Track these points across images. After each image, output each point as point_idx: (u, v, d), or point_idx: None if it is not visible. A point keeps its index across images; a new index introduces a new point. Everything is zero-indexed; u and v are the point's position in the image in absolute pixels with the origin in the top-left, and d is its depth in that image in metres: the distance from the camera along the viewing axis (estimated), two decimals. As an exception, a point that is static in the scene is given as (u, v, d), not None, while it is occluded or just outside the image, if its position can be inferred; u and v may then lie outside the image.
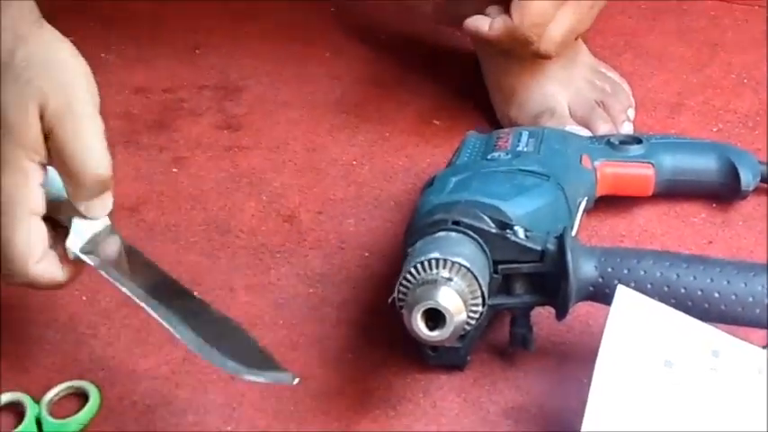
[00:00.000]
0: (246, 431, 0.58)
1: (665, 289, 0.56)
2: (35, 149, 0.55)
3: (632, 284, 0.57)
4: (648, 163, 0.72)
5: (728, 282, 0.56)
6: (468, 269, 0.55)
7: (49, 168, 0.57)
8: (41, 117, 0.55)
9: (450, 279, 0.54)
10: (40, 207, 0.56)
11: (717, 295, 0.56)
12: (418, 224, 0.60)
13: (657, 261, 0.57)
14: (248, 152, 0.80)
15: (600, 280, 0.57)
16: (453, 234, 0.58)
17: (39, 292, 0.66)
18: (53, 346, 0.63)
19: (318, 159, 0.80)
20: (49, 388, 0.60)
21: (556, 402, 0.59)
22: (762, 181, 0.73)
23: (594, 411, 0.52)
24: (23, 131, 0.55)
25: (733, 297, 0.56)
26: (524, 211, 0.61)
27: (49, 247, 0.57)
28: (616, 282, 0.57)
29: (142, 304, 0.55)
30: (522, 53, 0.76)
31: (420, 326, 0.54)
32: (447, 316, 0.53)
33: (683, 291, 0.56)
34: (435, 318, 0.54)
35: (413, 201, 0.72)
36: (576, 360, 0.61)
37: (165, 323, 0.54)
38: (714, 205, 0.73)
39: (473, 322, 0.55)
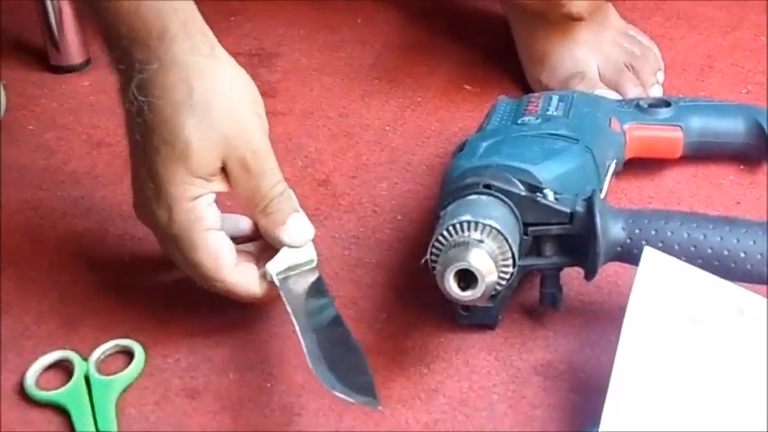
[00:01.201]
0: (286, 387, 0.60)
1: (692, 249, 0.57)
2: (208, 179, 0.58)
3: (659, 245, 0.58)
4: (677, 125, 0.73)
5: (755, 242, 0.57)
6: (499, 231, 0.56)
7: None
8: (225, 159, 0.58)
9: (481, 241, 0.56)
10: (216, 223, 0.59)
11: (743, 255, 0.57)
12: (450, 187, 0.62)
13: (684, 222, 0.58)
14: (283, 118, 0.82)
15: (628, 241, 0.59)
16: (484, 197, 0.59)
17: (82, 251, 0.69)
18: (100, 306, 0.66)
19: (352, 124, 0.82)
20: (96, 346, 0.62)
21: (584, 360, 0.60)
22: (789, 143, 0.74)
23: (622, 368, 0.53)
24: (203, 166, 0.58)
25: (759, 257, 0.57)
26: (554, 175, 0.62)
27: (251, 262, 0.61)
28: (643, 243, 0.58)
29: (302, 344, 0.58)
30: (553, 16, 0.77)
31: (452, 286, 0.55)
32: (478, 277, 0.55)
33: (709, 251, 0.57)
34: (467, 278, 0.55)
35: (444, 164, 0.74)
36: (605, 319, 0.62)
37: (309, 359, 0.57)
38: (742, 167, 0.74)
39: (504, 283, 0.57)
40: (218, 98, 0.58)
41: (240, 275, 0.60)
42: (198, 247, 0.59)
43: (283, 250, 0.61)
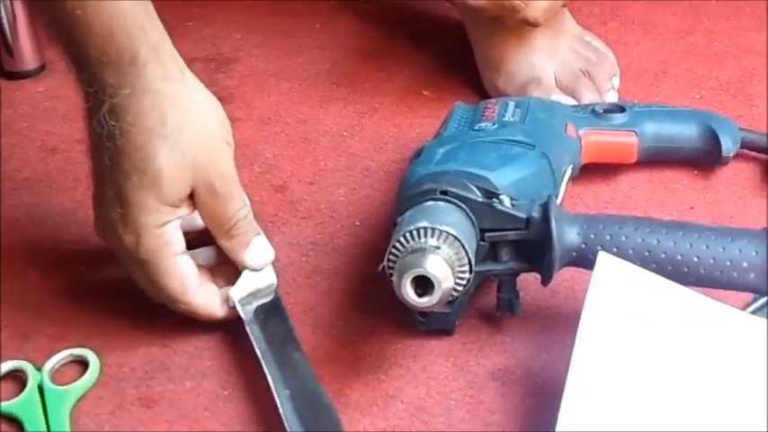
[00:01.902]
0: (243, 395, 0.60)
1: (646, 254, 0.58)
2: (176, 206, 0.59)
3: (614, 250, 0.58)
4: (632, 131, 0.73)
5: (707, 246, 0.58)
6: (456, 237, 0.57)
7: None
8: (193, 186, 0.59)
9: (438, 247, 0.56)
10: (182, 247, 0.60)
11: (696, 259, 0.58)
12: (407, 194, 0.62)
13: (638, 227, 0.59)
14: (240, 123, 0.82)
15: (583, 246, 0.59)
16: (441, 203, 0.59)
17: (36, 258, 0.68)
18: (53, 315, 0.65)
19: (309, 130, 0.82)
20: (50, 356, 0.61)
21: (541, 365, 0.61)
22: (742, 147, 0.75)
23: (577, 372, 0.54)
24: (173, 193, 0.59)
25: (711, 261, 0.58)
26: (510, 181, 0.62)
27: (211, 282, 0.62)
28: (599, 248, 0.58)
29: (264, 367, 0.59)
30: (509, 21, 0.77)
31: (409, 292, 0.56)
32: (435, 283, 0.55)
33: (663, 255, 0.58)
34: (424, 284, 0.56)
35: (402, 170, 0.74)
36: (561, 324, 0.63)
37: (273, 389, 0.58)
38: (696, 172, 0.75)
39: (461, 288, 0.57)
40: (189, 126, 0.58)
41: (203, 298, 0.61)
42: (166, 272, 0.60)
43: (245, 274, 0.63)
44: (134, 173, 0.57)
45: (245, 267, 0.63)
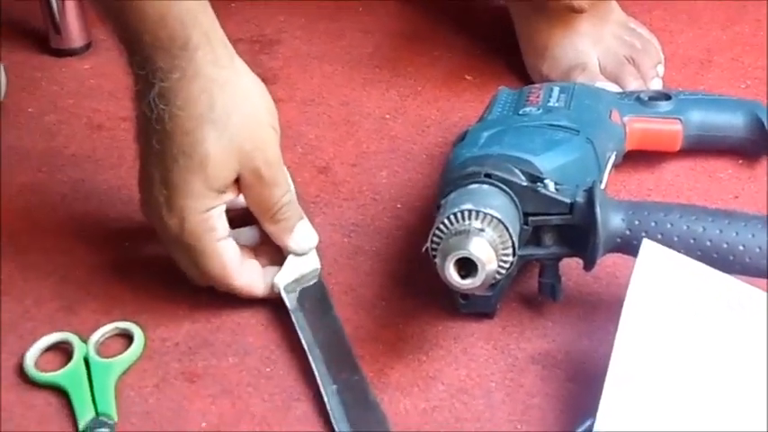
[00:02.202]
0: (285, 372, 0.60)
1: (692, 242, 0.58)
2: (222, 191, 0.60)
3: (659, 237, 0.58)
4: (676, 119, 0.73)
5: (753, 235, 0.58)
6: (500, 220, 0.57)
7: None
8: (240, 171, 0.60)
9: (482, 230, 0.56)
10: (226, 232, 0.61)
11: (741, 248, 0.57)
12: (451, 176, 0.62)
13: (684, 214, 0.59)
14: (283, 105, 0.82)
15: (627, 232, 0.59)
16: (485, 186, 0.59)
17: (82, 234, 0.69)
18: (99, 289, 0.66)
19: (352, 112, 0.82)
20: (95, 328, 0.62)
21: (582, 350, 0.61)
22: (788, 138, 0.74)
23: (620, 359, 0.54)
24: (220, 178, 0.59)
25: (757, 250, 0.57)
26: (554, 165, 0.62)
27: (254, 260, 0.63)
28: (643, 234, 0.58)
29: (310, 360, 0.60)
30: (555, 7, 0.77)
31: (453, 274, 0.56)
32: (479, 265, 0.55)
33: (708, 243, 0.58)
34: (467, 267, 0.56)
35: (444, 154, 0.74)
36: (603, 310, 0.63)
37: (321, 384, 0.58)
38: (740, 161, 0.74)
39: (503, 272, 0.57)
40: (238, 111, 0.59)
41: (245, 279, 0.62)
42: (208, 256, 0.60)
43: (289, 259, 0.63)
44: (181, 157, 0.58)
45: (289, 252, 0.63)
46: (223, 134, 0.58)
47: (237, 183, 0.61)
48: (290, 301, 0.63)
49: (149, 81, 0.58)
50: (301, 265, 0.64)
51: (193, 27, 0.57)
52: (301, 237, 0.63)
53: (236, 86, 0.59)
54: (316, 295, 0.64)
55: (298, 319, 0.62)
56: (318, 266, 0.65)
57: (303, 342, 0.60)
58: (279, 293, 0.63)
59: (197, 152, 0.58)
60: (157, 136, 0.59)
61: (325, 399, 0.57)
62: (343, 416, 0.56)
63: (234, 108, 0.59)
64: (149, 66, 0.57)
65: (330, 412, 0.57)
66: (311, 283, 0.64)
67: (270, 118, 0.61)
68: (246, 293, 0.62)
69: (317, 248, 0.65)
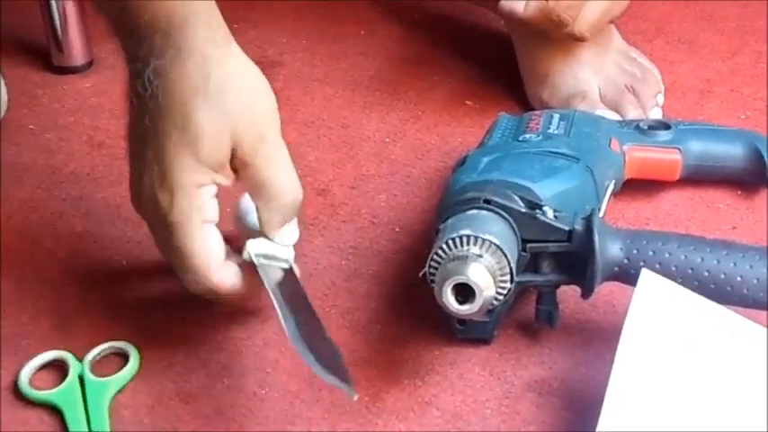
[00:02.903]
0: (280, 395, 0.60)
1: (689, 271, 0.58)
2: (215, 169, 0.58)
3: (657, 266, 0.58)
4: (676, 148, 0.73)
5: (751, 266, 0.58)
6: (498, 246, 0.57)
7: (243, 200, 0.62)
8: (235, 148, 0.58)
9: (480, 255, 0.56)
10: (215, 217, 0.59)
11: (739, 279, 0.58)
12: (450, 201, 0.62)
13: (682, 244, 0.59)
14: (284, 126, 0.80)
15: (625, 261, 0.59)
16: (484, 212, 0.59)
17: (79, 252, 0.69)
18: (96, 307, 0.66)
19: (352, 135, 0.82)
20: (91, 347, 0.62)
21: (578, 378, 0.61)
22: (787, 169, 0.74)
23: (617, 388, 0.54)
24: (213, 153, 0.57)
25: (755, 281, 0.57)
26: (553, 192, 0.62)
27: (233, 262, 0.60)
28: (641, 263, 0.58)
29: (283, 323, 0.58)
30: (556, 35, 0.78)
31: (450, 299, 0.56)
32: (476, 291, 0.55)
33: (706, 274, 0.58)
34: (465, 292, 0.56)
35: (444, 178, 0.74)
36: (600, 338, 0.63)
37: (290, 338, 0.58)
38: (739, 192, 0.74)
39: (501, 298, 0.57)
40: (232, 86, 0.58)
41: (225, 275, 0.60)
42: (193, 236, 0.58)
43: (259, 239, 0.61)
44: (174, 130, 0.57)
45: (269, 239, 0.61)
46: (216, 107, 0.57)
47: (234, 167, 0.58)
48: (260, 270, 0.60)
49: (145, 60, 0.57)
50: (277, 247, 0.61)
51: (192, 6, 0.57)
52: (288, 231, 0.61)
53: (233, 64, 0.59)
54: (286, 275, 0.61)
55: (270, 287, 0.59)
56: (292, 257, 0.62)
57: (275, 306, 0.58)
58: (249, 259, 0.60)
59: (190, 125, 0.57)
60: (151, 114, 0.58)
61: (283, 324, 0.57)
62: (300, 338, 0.57)
63: (229, 83, 0.58)
64: (146, 45, 0.57)
65: (287, 333, 0.57)
66: (282, 264, 0.61)
67: (267, 99, 0.60)
68: (223, 290, 0.60)
69: (295, 248, 0.63)
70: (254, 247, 0.61)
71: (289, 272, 0.61)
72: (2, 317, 0.65)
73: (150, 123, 0.58)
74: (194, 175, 0.58)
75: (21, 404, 0.60)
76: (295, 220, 0.62)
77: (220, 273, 0.59)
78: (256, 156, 0.58)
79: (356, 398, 0.56)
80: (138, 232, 0.72)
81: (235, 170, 0.59)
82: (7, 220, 0.73)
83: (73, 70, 0.89)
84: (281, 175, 0.59)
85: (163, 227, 0.59)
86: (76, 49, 0.89)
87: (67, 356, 0.62)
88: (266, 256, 0.61)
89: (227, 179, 0.59)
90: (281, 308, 0.58)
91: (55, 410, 0.59)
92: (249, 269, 0.60)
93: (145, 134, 0.58)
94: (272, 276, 0.60)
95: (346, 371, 0.56)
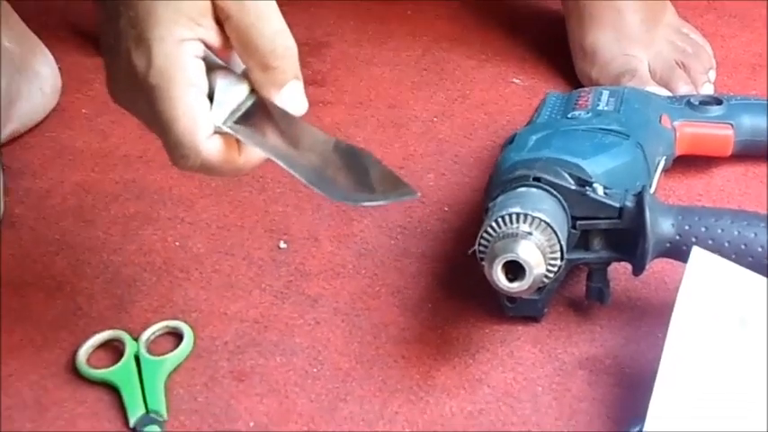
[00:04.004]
0: (331, 373, 0.61)
1: (743, 247, 0.57)
2: (197, 21, 0.51)
3: (709, 242, 0.58)
4: (728, 124, 0.72)
5: (806, 242, 0.57)
6: (548, 224, 0.57)
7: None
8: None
9: (530, 233, 0.56)
10: (201, 80, 0.51)
11: (793, 255, 0.57)
12: (499, 180, 0.62)
13: (735, 220, 0.58)
14: (332, 107, 0.83)
15: (677, 237, 0.59)
16: (534, 190, 0.59)
17: (133, 233, 0.70)
18: (149, 287, 0.67)
19: (399, 115, 0.82)
20: (146, 327, 0.63)
21: (630, 355, 0.61)
22: (842, 143, 0.73)
23: (669, 365, 0.53)
24: (188, 3, 0.50)
25: (810, 257, 0.57)
26: (604, 169, 0.62)
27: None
28: (693, 240, 0.58)
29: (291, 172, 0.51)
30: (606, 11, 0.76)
31: (500, 277, 0.56)
32: (527, 268, 0.55)
33: (759, 249, 0.57)
34: (515, 270, 0.56)
35: (492, 157, 0.74)
36: (651, 315, 0.62)
37: (305, 181, 0.51)
38: (793, 167, 0.74)
39: (551, 275, 0.57)
40: None
41: (215, 143, 0.52)
42: (175, 100, 0.50)
43: (216, 95, 0.52)
44: None
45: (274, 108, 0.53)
46: None
47: (217, 20, 0.51)
48: (241, 134, 0.52)
49: None
50: (231, 96, 0.53)
51: None
52: (290, 96, 0.53)
53: None
54: (259, 112, 0.53)
55: (258, 143, 0.52)
56: (248, 88, 0.53)
57: (276, 160, 0.52)
58: (223, 132, 0.52)
59: None
60: None
61: (292, 172, 0.51)
62: (319, 175, 0.51)
63: None
64: None
65: (300, 178, 0.51)
66: (251, 105, 0.53)
67: None
68: (213, 161, 0.52)
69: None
70: (218, 118, 0.52)
71: (259, 106, 0.53)
72: (59, 297, 0.66)
73: None
74: (173, 28, 0.50)
75: (79, 382, 0.61)
76: (300, 87, 0.53)
77: (208, 142, 0.51)
78: (242, 7, 0.50)
79: (418, 195, 0.51)
80: (191, 213, 0.73)
81: (219, 24, 0.51)
82: (62, 201, 0.74)
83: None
84: (270, 23, 0.51)
85: (140, 95, 0.51)
86: (127, 34, 0.90)
87: (123, 336, 0.63)
88: (233, 112, 0.52)
89: (211, 33, 0.51)
90: (284, 160, 0.51)
91: (112, 388, 0.60)
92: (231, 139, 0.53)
93: (117, 6, 0.51)
94: (254, 132, 0.52)
95: (395, 178, 0.50)
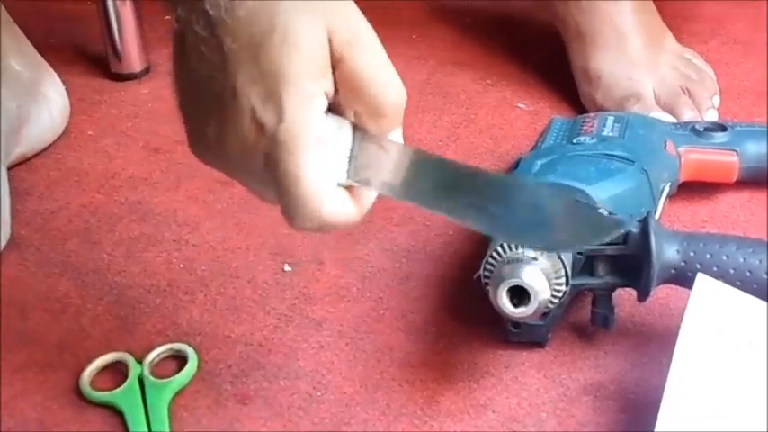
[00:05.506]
0: (335, 397, 0.60)
1: (748, 274, 0.57)
2: (323, 74, 0.49)
3: (714, 269, 0.58)
4: (732, 150, 0.73)
5: (811, 269, 0.57)
6: (554, 249, 0.57)
7: None
8: (329, 40, 0.49)
9: (535, 258, 0.56)
10: (326, 136, 0.50)
11: (799, 282, 0.57)
12: (504, 204, 0.62)
13: (740, 247, 0.58)
14: (337, 131, 0.83)
15: (682, 264, 0.59)
16: (539, 215, 0.59)
17: (137, 255, 0.70)
18: (154, 309, 0.67)
19: (405, 139, 0.81)
20: (150, 349, 0.63)
21: (634, 381, 0.60)
22: None
23: (674, 391, 0.53)
24: (313, 55, 0.49)
25: (815, 284, 0.57)
26: (609, 195, 0.62)
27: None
28: (698, 266, 0.58)
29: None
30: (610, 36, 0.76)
31: (505, 302, 0.56)
32: (532, 294, 0.55)
33: (764, 276, 0.57)
34: (520, 295, 0.56)
35: (497, 182, 0.74)
36: (656, 341, 0.62)
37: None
38: (797, 194, 0.74)
39: (556, 300, 0.57)
40: None
41: (336, 202, 0.51)
42: (305, 158, 0.49)
43: (332, 145, 0.51)
44: (269, 36, 0.49)
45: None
46: (305, 6, 0.49)
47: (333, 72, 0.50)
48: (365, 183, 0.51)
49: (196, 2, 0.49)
50: (344, 142, 0.51)
51: None
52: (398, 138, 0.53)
53: None
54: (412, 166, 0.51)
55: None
56: (350, 131, 0.51)
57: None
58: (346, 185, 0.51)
59: (288, 30, 0.48)
60: (232, 33, 0.49)
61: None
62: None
63: None
64: None
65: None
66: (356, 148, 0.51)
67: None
68: (334, 222, 0.51)
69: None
70: (340, 170, 0.51)
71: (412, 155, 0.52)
72: (64, 318, 0.66)
73: (234, 44, 0.49)
74: (303, 82, 0.49)
75: (82, 404, 0.60)
76: (399, 131, 0.53)
77: (331, 203, 0.51)
78: (351, 47, 0.49)
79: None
80: (195, 235, 0.73)
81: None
82: (68, 223, 0.75)
83: (130, 77, 0.91)
84: (380, 69, 0.50)
85: (260, 157, 0.50)
86: (133, 56, 0.91)
87: (128, 358, 0.63)
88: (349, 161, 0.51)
89: (331, 84, 0.50)
90: (434, 207, 0.50)
91: (116, 411, 0.60)
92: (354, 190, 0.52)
93: (228, 60, 0.49)
94: (384, 178, 0.51)
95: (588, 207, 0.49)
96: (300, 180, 0.49)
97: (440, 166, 0.52)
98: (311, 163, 0.49)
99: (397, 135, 0.52)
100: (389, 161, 0.52)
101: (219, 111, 0.51)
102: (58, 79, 0.85)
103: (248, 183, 0.53)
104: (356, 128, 0.52)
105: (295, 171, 0.49)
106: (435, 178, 0.52)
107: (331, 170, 0.51)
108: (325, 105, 0.50)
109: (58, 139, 0.83)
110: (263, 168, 0.50)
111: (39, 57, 0.84)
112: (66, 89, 0.86)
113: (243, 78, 0.49)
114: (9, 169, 0.78)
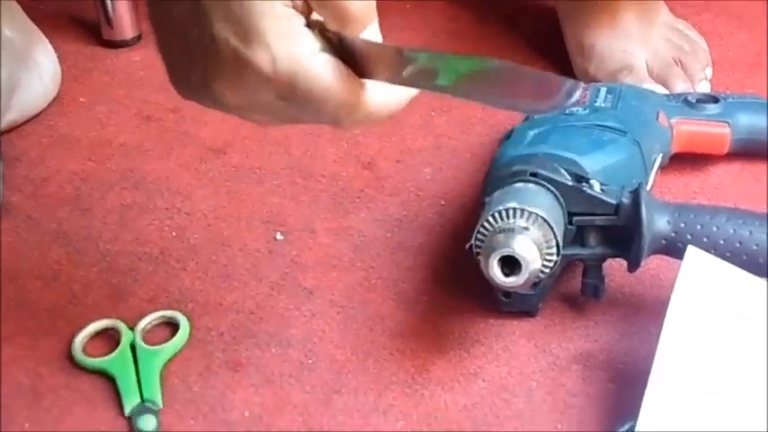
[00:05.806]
0: (326, 365, 0.61)
1: (737, 245, 0.58)
2: None
3: (705, 240, 0.58)
4: (724, 122, 0.73)
5: (800, 241, 0.57)
6: (545, 219, 0.57)
7: None
8: None
9: (526, 228, 0.56)
10: (318, 44, 0.48)
11: (788, 253, 0.57)
12: (496, 175, 0.62)
13: (730, 218, 0.58)
14: (330, 100, 0.83)
15: (673, 234, 0.59)
16: (531, 185, 0.60)
17: (129, 223, 0.70)
18: (146, 277, 0.67)
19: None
20: (142, 316, 0.63)
21: (624, 351, 0.61)
22: (838, 143, 0.73)
23: (663, 361, 0.54)
24: None
25: (804, 256, 0.57)
26: (600, 166, 0.62)
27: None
28: (689, 237, 0.58)
29: None
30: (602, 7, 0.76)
31: (496, 272, 0.56)
32: (522, 263, 0.56)
33: (755, 247, 0.57)
34: (511, 265, 0.56)
35: (489, 152, 0.74)
36: (645, 311, 0.63)
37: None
38: (788, 166, 0.74)
39: (547, 271, 0.57)
40: None
41: (373, 94, 0.49)
42: (318, 73, 0.47)
43: None
44: None
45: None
46: None
47: None
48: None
49: None
50: None
51: None
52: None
53: None
54: None
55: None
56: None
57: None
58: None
59: None
60: None
61: None
62: None
63: None
64: None
65: None
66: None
67: None
68: (390, 106, 0.49)
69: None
70: None
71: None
72: (55, 285, 0.66)
73: None
74: (278, 9, 0.47)
75: (74, 371, 0.61)
76: (374, 27, 0.50)
77: (366, 97, 0.48)
78: None
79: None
80: (188, 203, 0.73)
81: None
82: (59, 190, 0.74)
83: (122, 44, 0.90)
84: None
85: (269, 90, 0.48)
86: (125, 24, 0.90)
87: (119, 325, 0.63)
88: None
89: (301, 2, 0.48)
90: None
91: (108, 377, 0.60)
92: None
93: (197, 14, 0.48)
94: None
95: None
96: (325, 95, 0.48)
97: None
98: (328, 75, 0.47)
99: (371, 33, 0.49)
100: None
101: (202, 57, 0.49)
102: (49, 46, 0.84)
103: (244, 114, 0.51)
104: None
105: (317, 90, 0.48)
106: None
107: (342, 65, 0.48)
108: (302, 21, 0.48)
109: (50, 105, 0.83)
110: (272, 102, 0.49)
111: (30, 23, 0.84)
112: (58, 56, 0.85)
113: (218, 22, 0.48)
114: (0, 135, 0.77)
